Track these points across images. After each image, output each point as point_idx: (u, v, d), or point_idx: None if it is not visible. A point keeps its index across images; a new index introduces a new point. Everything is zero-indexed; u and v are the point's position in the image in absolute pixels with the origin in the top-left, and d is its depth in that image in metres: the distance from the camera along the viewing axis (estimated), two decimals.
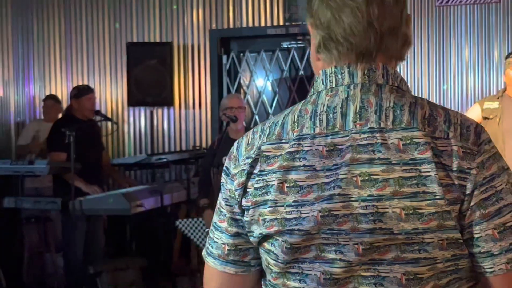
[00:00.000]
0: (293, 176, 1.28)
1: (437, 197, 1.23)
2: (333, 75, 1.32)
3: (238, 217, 1.36)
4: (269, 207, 1.29)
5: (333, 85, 1.32)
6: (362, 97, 1.29)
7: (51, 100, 6.90)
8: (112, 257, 5.97)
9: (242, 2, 6.85)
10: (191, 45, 7.01)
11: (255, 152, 1.33)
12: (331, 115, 1.29)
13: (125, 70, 7.04)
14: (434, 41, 6.30)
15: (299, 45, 6.81)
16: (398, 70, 1.36)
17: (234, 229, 1.37)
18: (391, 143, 1.25)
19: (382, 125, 1.26)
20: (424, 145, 1.24)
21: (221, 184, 1.40)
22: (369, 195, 1.24)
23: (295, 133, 1.30)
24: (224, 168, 1.39)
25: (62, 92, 7.31)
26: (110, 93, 7.25)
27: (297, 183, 1.27)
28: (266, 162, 1.31)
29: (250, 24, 6.84)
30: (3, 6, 7.45)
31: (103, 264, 5.50)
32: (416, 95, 1.42)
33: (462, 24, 6.26)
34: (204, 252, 1.44)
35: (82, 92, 5.74)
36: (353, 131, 1.27)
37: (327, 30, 1.32)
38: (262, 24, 6.80)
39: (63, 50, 7.36)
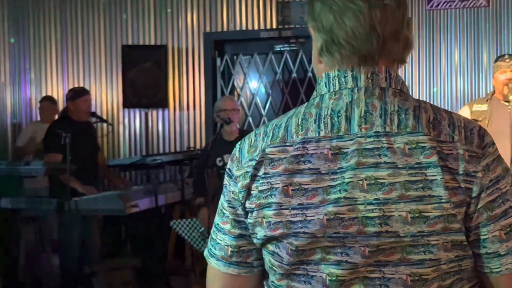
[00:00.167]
0: (298, 179, 1.27)
1: (443, 200, 1.22)
2: (336, 78, 1.31)
3: (241, 219, 1.35)
4: (273, 209, 1.28)
5: (337, 88, 1.31)
6: (366, 100, 1.28)
7: (47, 101, 6.89)
8: (107, 257, 5.95)
9: (235, 5, 6.84)
10: (185, 48, 7.00)
11: (259, 155, 1.32)
12: (335, 118, 1.28)
13: (121, 72, 7.04)
14: (424, 44, 6.30)
15: (291, 48, 6.81)
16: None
17: (237, 231, 1.36)
18: (397, 147, 1.24)
19: (387, 129, 1.25)
20: (430, 149, 1.24)
21: (224, 186, 1.39)
22: (375, 199, 1.23)
23: (299, 136, 1.29)
24: (227, 170, 1.38)
25: (58, 94, 7.28)
26: (106, 95, 7.23)
27: (302, 186, 1.26)
28: (271, 164, 1.30)
29: (244, 27, 6.83)
30: (0, 8, 7.42)
31: (98, 264, 5.49)
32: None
33: (452, 28, 6.27)
34: (206, 253, 1.43)
35: (77, 94, 5.73)
36: (358, 135, 1.26)
37: (329, 34, 1.30)
38: (256, 27, 6.80)
39: (59, 52, 7.34)
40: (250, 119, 6.99)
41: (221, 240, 1.38)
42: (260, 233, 1.31)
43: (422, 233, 1.22)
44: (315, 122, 1.29)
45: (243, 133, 5.37)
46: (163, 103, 6.98)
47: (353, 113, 1.27)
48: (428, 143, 1.24)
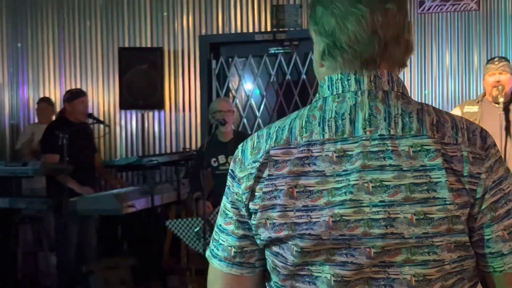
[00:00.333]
0: (303, 181, 1.26)
1: (447, 202, 1.22)
2: (340, 81, 1.30)
3: (245, 220, 1.34)
4: (278, 211, 1.27)
5: (340, 91, 1.30)
6: (370, 104, 1.27)
7: (44, 102, 6.87)
8: (104, 256, 5.93)
9: (231, 9, 6.84)
10: (181, 50, 6.99)
11: (263, 156, 1.31)
12: (340, 121, 1.27)
13: (117, 74, 7.02)
14: (416, 47, 6.31)
15: (285, 51, 6.82)
16: None
17: (240, 232, 1.35)
18: (402, 150, 1.24)
19: (392, 132, 1.25)
20: (434, 152, 1.23)
21: (227, 187, 1.37)
22: (380, 201, 1.23)
23: (304, 139, 1.28)
24: (229, 171, 1.37)
25: (56, 95, 7.27)
26: (103, 96, 7.21)
27: (307, 188, 1.26)
28: (275, 166, 1.29)
29: (239, 30, 6.83)
30: None
31: (95, 263, 5.47)
32: None
33: (443, 31, 6.28)
34: (208, 254, 1.41)
35: (75, 96, 5.71)
36: (363, 138, 1.25)
37: (331, 38, 1.29)
38: (250, 30, 6.79)
39: (57, 54, 7.32)
40: (244, 120, 6.99)
41: (224, 241, 1.37)
42: (264, 234, 1.30)
43: (427, 234, 1.22)
44: (319, 125, 1.28)
45: (237, 134, 5.37)
46: (159, 105, 6.97)
47: (357, 116, 1.27)
48: (432, 145, 1.24)
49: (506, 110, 4.67)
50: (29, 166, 5.48)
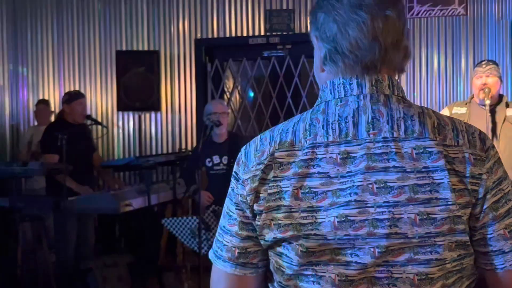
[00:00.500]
0: (307, 182, 1.26)
1: (449, 203, 1.23)
2: (342, 86, 1.30)
3: (249, 221, 1.33)
4: (283, 212, 1.27)
5: (342, 95, 1.30)
6: (372, 107, 1.28)
7: (43, 104, 6.86)
8: (102, 254, 5.91)
9: (225, 13, 6.83)
10: (177, 54, 6.98)
11: (268, 159, 1.30)
12: (343, 124, 1.27)
13: (115, 77, 7.03)
14: None
15: (279, 54, 6.82)
16: None
17: (245, 233, 1.34)
18: (405, 152, 1.24)
19: (395, 134, 1.25)
20: (437, 154, 1.24)
21: (230, 189, 1.37)
22: (384, 202, 1.23)
23: (308, 141, 1.28)
24: (233, 173, 1.36)
25: (55, 97, 7.25)
26: (100, 98, 7.19)
27: (312, 189, 1.25)
28: (280, 168, 1.28)
29: (233, 34, 6.82)
30: None
31: (93, 260, 5.46)
32: None
33: (432, 35, 6.30)
34: (211, 255, 1.41)
35: (73, 97, 5.69)
36: (367, 140, 1.26)
37: (333, 43, 1.30)
38: (245, 34, 6.79)
39: (56, 57, 7.30)
40: (239, 122, 6.98)
41: (228, 242, 1.36)
42: (269, 235, 1.30)
43: (430, 234, 1.23)
44: (323, 128, 1.28)
45: (232, 135, 5.37)
46: (155, 106, 6.97)
47: (360, 119, 1.27)
48: (435, 147, 1.24)
49: (492, 112, 4.68)
50: (29, 166, 5.46)
